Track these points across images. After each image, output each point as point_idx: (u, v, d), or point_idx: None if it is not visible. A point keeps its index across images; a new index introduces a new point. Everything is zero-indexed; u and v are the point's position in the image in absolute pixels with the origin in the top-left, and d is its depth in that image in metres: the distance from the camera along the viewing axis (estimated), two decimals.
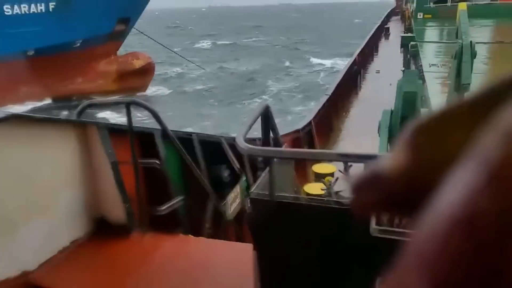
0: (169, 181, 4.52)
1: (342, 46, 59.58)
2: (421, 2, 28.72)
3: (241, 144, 2.97)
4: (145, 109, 4.10)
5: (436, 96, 7.68)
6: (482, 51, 13.30)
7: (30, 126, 3.38)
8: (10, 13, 29.25)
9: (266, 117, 4.15)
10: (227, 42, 72.38)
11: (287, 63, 46.53)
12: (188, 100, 34.65)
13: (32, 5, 29.88)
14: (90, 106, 4.31)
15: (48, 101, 32.86)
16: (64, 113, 24.60)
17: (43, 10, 30.26)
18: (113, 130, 4.14)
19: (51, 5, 30.42)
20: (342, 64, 42.48)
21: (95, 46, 33.35)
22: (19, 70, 29.79)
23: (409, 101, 4.37)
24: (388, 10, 52.07)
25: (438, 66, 11.00)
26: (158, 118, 4.18)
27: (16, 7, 29.36)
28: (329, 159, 3.24)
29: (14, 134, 3.22)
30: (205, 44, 72.40)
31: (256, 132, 4.22)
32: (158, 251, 3.96)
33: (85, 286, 3.55)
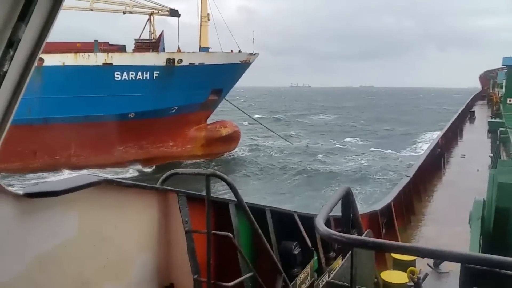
0: (240, 255, 4.49)
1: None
2: (511, 87, 27.74)
3: (321, 227, 2.84)
4: (223, 181, 4.13)
5: None
6: None
7: (118, 191, 3.53)
8: (119, 78, 32.13)
9: (347, 200, 4.08)
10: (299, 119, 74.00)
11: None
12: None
13: (139, 73, 32.63)
14: (174, 175, 4.43)
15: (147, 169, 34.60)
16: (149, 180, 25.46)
17: (148, 78, 32.89)
18: (192, 199, 4.27)
19: (156, 74, 33.02)
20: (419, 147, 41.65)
21: (189, 113, 35.25)
22: (119, 130, 31.97)
23: (504, 193, 3.92)
24: (473, 94, 50.12)
25: None
26: (235, 190, 4.20)
27: (125, 73, 32.24)
28: (421, 255, 2.69)
29: (102, 198, 3.37)
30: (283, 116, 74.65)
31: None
32: None
33: None
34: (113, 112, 31.71)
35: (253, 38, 37.72)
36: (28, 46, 1.37)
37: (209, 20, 37.64)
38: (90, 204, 3.28)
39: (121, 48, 34.46)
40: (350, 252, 3.50)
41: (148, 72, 32.87)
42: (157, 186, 4.16)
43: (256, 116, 52.74)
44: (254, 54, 37.54)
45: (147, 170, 34.24)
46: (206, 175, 4.03)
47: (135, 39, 37.06)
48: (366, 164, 35.13)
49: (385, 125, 66.16)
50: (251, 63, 37.85)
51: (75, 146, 30.97)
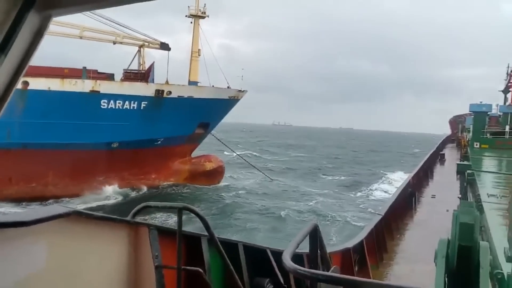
0: None
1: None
2: (478, 132, 29.13)
3: (287, 262, 2.92)
4: (195, 215, 4.11)
5: (497, 228, 7.37)
6: None
7: (88, 223, 3.45)
8: (105, 107, 31.49)
9: (314, 236, 4.15)
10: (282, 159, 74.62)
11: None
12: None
13: (127, 102, 32.10)
14: (145, 208, 4.40)
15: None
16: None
17: (135, 108, 32.36)
18: (163, 232, 4.20)
19: (143, 104, 32.54)
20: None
21: (174, 145, 34.64)
22: (100, 160, 30.97)
23: (466, 232, 4.19)
24: (443, 138, 51.70)
25: (497, 197, 10.54)
26: (206, 225, 4.20)
27: (112, 102, 31.66)
28: None
29: (72, 230, 3.30)
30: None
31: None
32: None
33: None
34: (96, 140, 30.86)
35: (242, 76, 37.95)
36: (6, 75, 1.35)
37: (199, 55, 37.84)
38: (59, 236, 3.20)
39: (110, 77, 34.08)
40: None
41: (136, 102, 32.40)
42: (128, 219, 4.09)
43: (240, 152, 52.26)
44: (243, 91, 37.66)
45: (133, 194, 33.04)
46: (178, 208, 3.99)
47: (124, 69, 36.78)
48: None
49: (361, 166, 66.65)
50: (239, 99, 37.88)
51: (53, 174, 29.72)
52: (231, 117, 39.60)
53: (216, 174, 36.82)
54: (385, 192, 37.73)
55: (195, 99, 34.04)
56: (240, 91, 37.23)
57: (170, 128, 33.33)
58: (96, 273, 3.62)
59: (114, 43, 36.29)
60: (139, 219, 4.23)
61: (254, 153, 76.28)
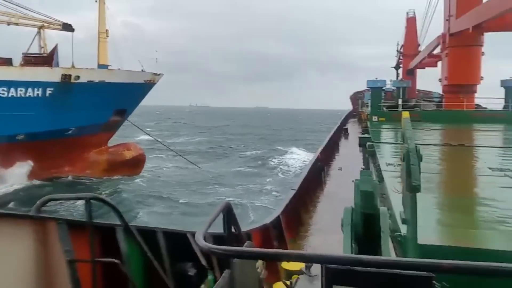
0: (129, 280, 4.32)
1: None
2: (375, 106, 31.37)
3: (200, 242, 3.00)
4: (105, 204, 4.00)
5: (395, 195, 7.86)
6: (432, 152, 14.05)
7: None
8: (5, 95, 28.30)
9: (228, 214, 4.24)
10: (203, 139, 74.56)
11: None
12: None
13: (30, 89, 29.13)
14: (50, 201, 4.15)
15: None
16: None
17: (40, 95, 29.48)
18: (74, 225, 4.03)
19: (49, 91, 29.76)
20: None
21: (88, 134, 32.30)
22: (4, 154, 27.95)
23: (367, 199, 4.50)
24: (346, 113, 55.45)
25: (394, 166, 11.38)
26: (119, 213, 4.10)
27: (12, 89, 28.52)
28: (288, 260, 3.12)
29: None
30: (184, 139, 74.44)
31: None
32: None
33: None
34: None
35: (156, 59, 36.35)
36: None
37: (107, 36, 35.44)
38: None
39: (7, 62, 30.53)
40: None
41: (40, 89, 29.53)
42: (32, 214, 3.80)
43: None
44: (159, 74, 36.16)
45: (37, 182, 30.36)
46: (86, 199, 3.84)
47: (23, 53, 33.21)
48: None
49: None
50: (155, 83, 36.31)
51: None
52: (144, 100, 37.83)
53: (137, 162, 35.14)
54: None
55: (108, 84, 31.94)
56: (155, 74, 35.67)
57: (82, 116, 30.98)
58: (3, 272, 3.40)
59: (9, 24, 32.52)
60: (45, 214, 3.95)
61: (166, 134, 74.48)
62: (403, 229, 5.38)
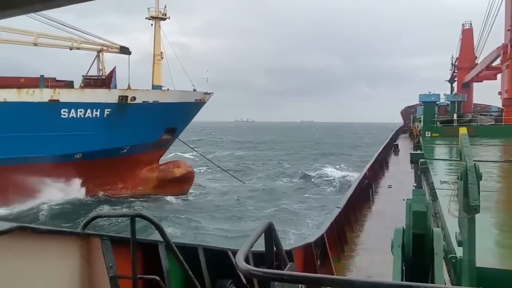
0: None
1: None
2: (428, 122, 30.22)
3: (240, 263, 2.94)
4: (149, 222, 4.04)
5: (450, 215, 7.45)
6: (490, 169, 13.31)
7: (34, 238, 3.32)
8: (66, 116, 30.02)
9: (269, 234, 4.22)
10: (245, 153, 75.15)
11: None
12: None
13: (89, 110, 30.74)
14: (97, 218, 4.36)
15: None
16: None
17: (98, 116, 31.04)
18: (118, 242, 4.14)
19: (107, 112, 31.28)
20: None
21: (141, 153, 33.54)
22: (63, 172, 29.48)
23: (419, 220, 4.34)
24: (397, 128, 53.47)
25: (449, 184, 10.87)
26: (161, 231, 4.18)
27: (73, 111, 30.22)
28: (331, 286, 2.86)
29: (17, 247, 3.16)
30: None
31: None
32: None
33: None
34: (58, 152, 29.35)
35: (207, 78, 37.28)
36: None
37: (162, 58, 36.82)
38: (3, 254, 3.04)
39: (69, 84, 32.50)
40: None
41: (99, 110, 31.08)
42: (78, 231, 3.96)
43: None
44: (209, 93, 37.01)
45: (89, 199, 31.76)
46: (131, 216, 3.93)
47: (83, 75, 35.23)
48: None
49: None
50: (205, 102, 37.21)
51: (13, 190, 28.05)
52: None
53: (185, 180, 35.98)
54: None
55: (161, 104, 33.11)
56: (206, 93, 36.56)
57: (136, 135, 32.24)
58: None
59: (71, 48, 34.67)
60: (90, 230, 4.10)
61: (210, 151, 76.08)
62: (459, 251, 5.26)
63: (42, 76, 30.73)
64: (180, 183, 35.59)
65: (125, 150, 32.69)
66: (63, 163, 29.35)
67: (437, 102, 34.37)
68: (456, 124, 29.49)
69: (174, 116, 33.91)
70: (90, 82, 34.20)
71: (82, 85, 33.80)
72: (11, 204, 28.17)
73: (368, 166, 20.19)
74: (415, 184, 16.18)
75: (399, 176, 20.94)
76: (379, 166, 23.65)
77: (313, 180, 43.97)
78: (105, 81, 34.17)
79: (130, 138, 32.24)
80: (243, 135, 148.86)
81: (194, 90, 35.84)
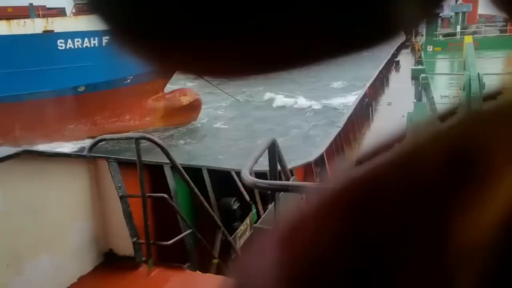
0: (178, 214, 4.59)
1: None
2: (431, 35, 29.05)
3: (246, 177, 3.16)
4: (154, 144, 4.19)
5: None
6: (492, 82, 13.30)
7: (41, 161, 3.44)
8: (63, 47, 28.25)
9: (273, 151, 4.36)
10: None
11: None
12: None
13: (86, 39, 28.87)
14: (101, 141, 4.51)
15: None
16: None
17: (96, 45, 29.21)
18: (124, 164, 4.32)
19: (105, 40, 29.35)
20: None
21: (145, 82, 32.15)
22: (68, 107, 28.55)
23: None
24: (398, 44, 51.82)
25: (450, 98, 10.93)
26: (167, 153, 4.29)
27: (69, 41, 28.38)
28: None
29: (26, 170, 3.31)
30: None
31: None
32: (165, 285, 3.98)
33: None
34: (61, 86, 28.11)
35: None
36: None
37: None
38: (13, 178, 3.23)
39: (61, 12, 30.22)
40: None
41: (96, 38, 29.18)
42: (84, 153, 4.17)
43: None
44: None
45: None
46: (135, 138, 4.05)
47: (74, 1, 32.62)
48: None
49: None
50: None
51: (19, 128, 27.28)
52: None
53: (193, 108, 35.05)
54: None
55: None
56: None
57: (139, 64, 30.57)
58: (60, 209, 3.68)
59: None
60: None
61: None
62: None
63: (31, 4, 28.39)
64: (188, 111, 34.69)
65: (128, 80, 31.31)
66: (67, 97, 28.25)
67: (441, 14, 32.50)
68: (459, 36, 28.25)
69: None
70: (82, 8, 31.73)
71: (74, 11, 31.45)
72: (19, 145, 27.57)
73: (368, 84, 19.62)
74: (415, 100, 16.06)
75: (400, 93, 20.37)
76: (379, 84, 23.15)
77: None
78: None
79: (133, 67, 30.61)
80: None
81: None
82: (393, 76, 28.03)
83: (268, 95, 41.70)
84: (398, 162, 0.25)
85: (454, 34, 29.33)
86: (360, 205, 0.25)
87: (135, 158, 4.10)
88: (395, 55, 38.22)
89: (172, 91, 35.96)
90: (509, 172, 0.22)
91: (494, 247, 0.22)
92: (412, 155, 0.25)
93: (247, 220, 5.91)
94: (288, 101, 39.72)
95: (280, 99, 40.38)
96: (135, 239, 4.10)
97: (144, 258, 4.14)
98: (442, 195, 0.23)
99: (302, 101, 38.48)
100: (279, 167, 4.97)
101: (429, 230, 0.24)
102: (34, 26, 26.98)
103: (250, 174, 3.24)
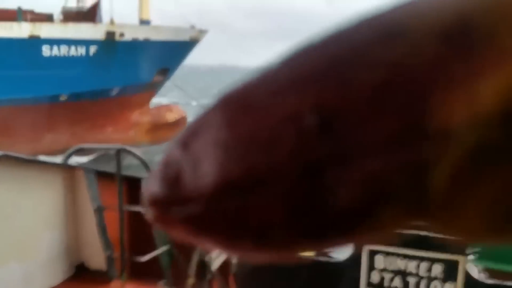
0: (154, 230, 4.48)
1: None
2: None
3: None
4: (133, 156, 4.16)
5: None
6: None
7: (19, 166, 3.46)
8: (48, 54, 27.13)
9: None
10: None
11: None
12: None
13: (73, 48, 27.84)
14: (79, 150, 4.46)
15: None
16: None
17: (83, 54, 28.19)
18: (103, 175, 4.27)
19: (93, 49, 28.40)
20: None
21: (132, 95, 31.12)
22: (48, 115, 27.22)
23: None
24: None
25: None
26: (146, 165, 4.24)
27: (55, 48, 27.29)
28: None
29: (2, 174, 3.29)
30: None
31: None
32: None
33: None
34: (41, 93, 26.86)
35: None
36: None
37: None
38: None
39: (49, 18, 29.18)
40: None
41: (84, 47, 28.21)
42: (61, 162, 4.15)
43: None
44: (204, 31, 34.16)
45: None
46: (116, 150, 4.02)
47: (62, 7, 31.70)
48: None
49: None
50: (199, 41, 34.42)
51: None
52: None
53: (178, 125, 34.03)
54: None
55: (153, 42, 30.31)
56: (201, 31, 33.72)
57: (127, 76, 29.72)
58: (32, 217, 3.63)
59: None
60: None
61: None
62: None
63: (19, 8, 27.28)
64: (173, 128, 33.68)
65: (114, 92, 30.24)
66: (46, 105, 26.99)
67: None
68: None
69: (167, 56, 31.29)
70: (71, 15, 30.83)
71: (61, 18, 30.45)
72: None
73: None
74: None
75: None
76: None
77: None
78: (89, 14, 30.83)
79: (120, 78, 29.73)
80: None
81: (192, 26, 32.89)
82: None
83: None
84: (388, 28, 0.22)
85: None
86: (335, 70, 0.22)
87: (113, 172, 4.06)
88: None
89: (158, 107, 35.18)
90: None
91: (486, 133, 0.19)
92: (408, 18, 0.22)
93: None
94: None
95: None
96: (108, 253, 4.05)
97: (117, 273, 4.09)
98: (429, 66, 0.21)
99: None
100: None
101: (406, 102, 0.21)
102: (20, 30, 25.87)
103: None
